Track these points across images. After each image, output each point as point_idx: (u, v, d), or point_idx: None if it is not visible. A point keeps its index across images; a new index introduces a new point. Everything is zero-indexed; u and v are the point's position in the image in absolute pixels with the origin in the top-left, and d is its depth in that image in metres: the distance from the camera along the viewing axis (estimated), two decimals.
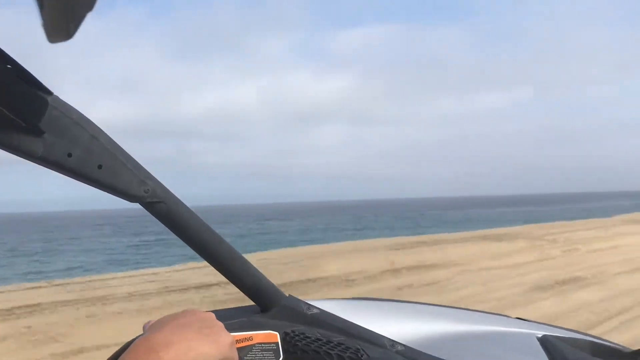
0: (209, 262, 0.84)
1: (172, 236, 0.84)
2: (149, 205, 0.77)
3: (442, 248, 14.11)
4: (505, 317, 1.34)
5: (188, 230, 0.80)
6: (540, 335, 1.11)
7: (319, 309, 0.93)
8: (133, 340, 0.72)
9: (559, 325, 1.33)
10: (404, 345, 0.91)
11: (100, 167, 0.72)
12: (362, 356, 0.86)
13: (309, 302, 0.94)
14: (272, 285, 0.90)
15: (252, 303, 0.92)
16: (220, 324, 0.70)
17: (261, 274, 0.89)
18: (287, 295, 0.94)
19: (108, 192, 0.75)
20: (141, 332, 0.69)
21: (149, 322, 0.70)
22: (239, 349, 0.84)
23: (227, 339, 0.67)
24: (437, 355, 0.91)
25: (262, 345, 0.88)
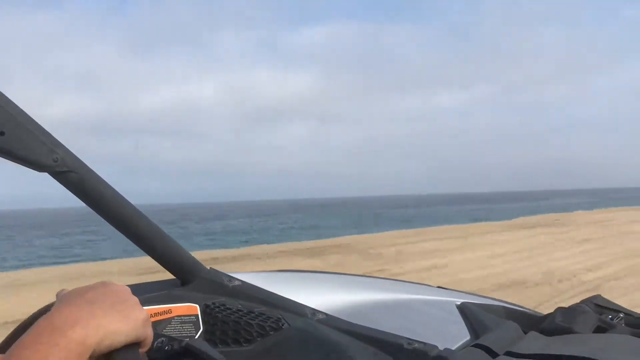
0: (126, 236, 0.82)
1: None
2: (59, 175, 0.74)
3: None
4: (427, 286, 1.38)
5: (102, 201, 0.77)
6: (459, 303, 1.15)
7: (240, 280, 0.93)
8: (38, 312, 0.74)
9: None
10: (325, 313, 0.92)
11: (2, 133, 0.68)
12: (283, 325, 0.88)
13: (230, 275, 0.94)
14: (192, 258, 0.90)
15: (172, 277, 0.92)
16: (135, 299, 0.65)
17: (181, 247, 0.89)
18: (209, 268, 0.94)
19: (12, 161, 0.70)
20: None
21: (62, 291, 0.65)
22: (157, 322, 0.84)
23: (140, 315, 0.62)
24: (357, 322, 0.90)
25: (182, 317, 0.87)
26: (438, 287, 1.37)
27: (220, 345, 0.87)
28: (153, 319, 0.81)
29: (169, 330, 0.85)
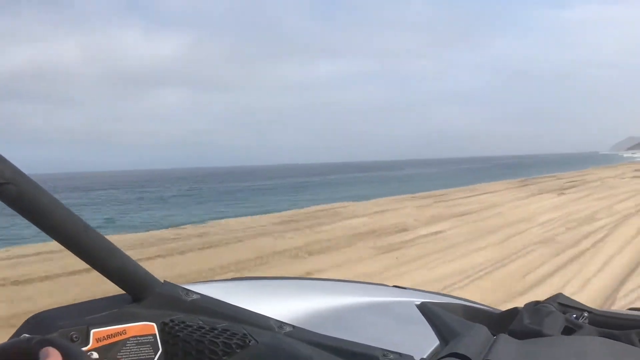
0: (70, 250, 0.74)
1: None
2: None
3: None
4: (385, 287, 1.37)
5: (44, 215, 0.71)
6: (418, 303, 1.14)
7: (199, 294, 0.87)
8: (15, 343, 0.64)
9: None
10: (292, 325, 0.88)
11: None
12: (249, 342, 0.81)
13: (187, 287, 0.88)
14: (145, 271, 0.83)
15: (122, 292, 0.84)
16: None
17: (131, 259, 0.81)
18: (163, 281, 0.86)
19: None
20: None
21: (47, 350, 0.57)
22: (111, 345, 0.77)
23: None
24: (324, 332, 0.87)
25: (138, 338, 0.80)
26: (394, 286, 1.36)
27: None
28: (106, 342, 0.75)
29: (124, 353, 0.78)
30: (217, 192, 41.47)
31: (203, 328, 0.82)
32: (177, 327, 0.82)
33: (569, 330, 0.94)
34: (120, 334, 0.78)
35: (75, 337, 0.73)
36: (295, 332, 0.85)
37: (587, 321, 0.98)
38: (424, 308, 1.10)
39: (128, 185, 66.03)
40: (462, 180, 32.82)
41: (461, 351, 0.78)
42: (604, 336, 0.88)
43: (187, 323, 0.82)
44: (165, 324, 0.82)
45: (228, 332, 0.82)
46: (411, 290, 1.32)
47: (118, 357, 0.77)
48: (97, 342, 0.75)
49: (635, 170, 33.84)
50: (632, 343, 0.85)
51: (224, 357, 0.80)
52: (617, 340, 0.86)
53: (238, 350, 0.80)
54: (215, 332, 0.82)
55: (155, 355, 0.81)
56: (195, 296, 0.86)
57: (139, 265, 0.82)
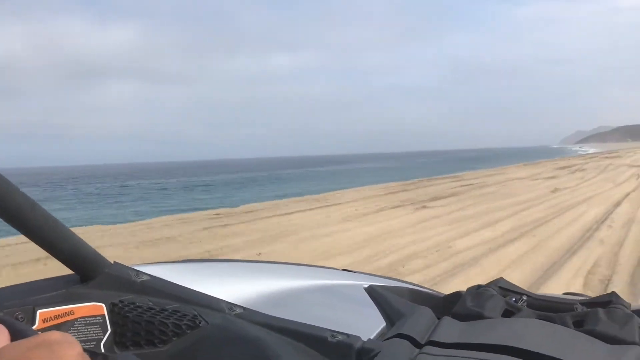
0: (15, 228, 0.72)
1: None
2: None
3: None
4: (334, 270, 1.40)
5: None
6: (366, 286, 1.16)
7: (149, 275, 0.86)
8: None
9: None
10: (243, 307, 0.87)
11: None
12: (200, 323, 0.81)
13: (137, 268, 0.87)
14: (94, 251, 0.82)
15: (70, 272, 0.83)
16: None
17: (80, 239, 0.80)
18: (112, 262, 0.86)
19: None
20: None
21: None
22: (58, 326, 0.75)
23: None
24: (274, 314, 0.86)
25: (86, 319, 0.78)
26: (344, 269, 1.39)
27: (132, 348, 0.79)
28: (53, 322, 0.72)
29: (72, 334, 0.73)
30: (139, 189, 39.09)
31: (153, 309, 0.81)
32: (126, 308, 0.80)
33: (508, 313, 0.96)
34: (68, 315, 0.75)
35: (21, 317, 0.69)
36: (246, 314, 0.85)
37: (525, 304, 1.00)
38: (371, 291, 1.12)
39: (55, 182, 61.69)
40: (344, 181, 28.03)
41: (406, 332, 0.81)
42: (541, 319, 0.91)
43: (137, 304, 0.81)
44: (114, 304, 0.80)
45: (178, 314, 0.81)
46: (360, 274, 1.37)
47: None
48: (44, 322, 0.72)
49: (558, 168, 28.93)
50: (566, 325, 0.88)
51: (174, 338, 0.79)
52: (552, 322, 0.89)
53: (188, 332, 0.80)
54: (166, 313, 0.81)
55: (104, 336, 0.79)
56: (145, 277, 0.85)
57: (88, 245, 0.81)
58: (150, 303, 0.81)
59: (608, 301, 0.91)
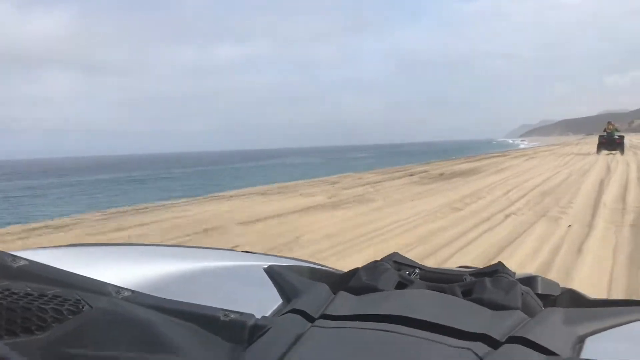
0: None
1: None
2: None
3: None
4: (233, 252, 1.43)
5: None
6: (266, 266, 1.16)
7: (27, 260, 0.82)
8: None
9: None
10: (131, 290, 0.85)
11: None
12: (83, 307, 0.76)
13: (14, 254, 0.83)
14: None
15: None
16: None
17: None
18: None
19: None
20: None
21: None
22: None
23: None
24: (167, 297, 0.85)
25: None
26: (244, 251, 1.40)
27: (6, 337, 0.71)
28: None
29: None
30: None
31: (31, 295, 0.76)
32: (0, 295, 0.76)
33: (402, 285, 1.01)
34: None
35: None
36: (134, 297, 0.83)
37: (418, 277, 1.05)
38: (270, 271, 1.13)
39: None
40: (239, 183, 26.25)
41: (300, 307, 0.84)
42: (432, 290, 0.96)
43: (13, 290, 0.76)
44: None
45: (59, 299, 0.77)
46: (260, 255, 1.38)
47: None
48: None
49: (463, 163, 27.72)
50: (455, 294, 0.93)
51: (54, 324, 0.74)
52: (443, 292, 0.94)
53: (70, 317, 0.75)
54: (45, 298, 0.76)
55: None
56: (22, 262, 0.82)
57: None
58: (29, 289, 0.76)
59: (494, 271, 0.97)
